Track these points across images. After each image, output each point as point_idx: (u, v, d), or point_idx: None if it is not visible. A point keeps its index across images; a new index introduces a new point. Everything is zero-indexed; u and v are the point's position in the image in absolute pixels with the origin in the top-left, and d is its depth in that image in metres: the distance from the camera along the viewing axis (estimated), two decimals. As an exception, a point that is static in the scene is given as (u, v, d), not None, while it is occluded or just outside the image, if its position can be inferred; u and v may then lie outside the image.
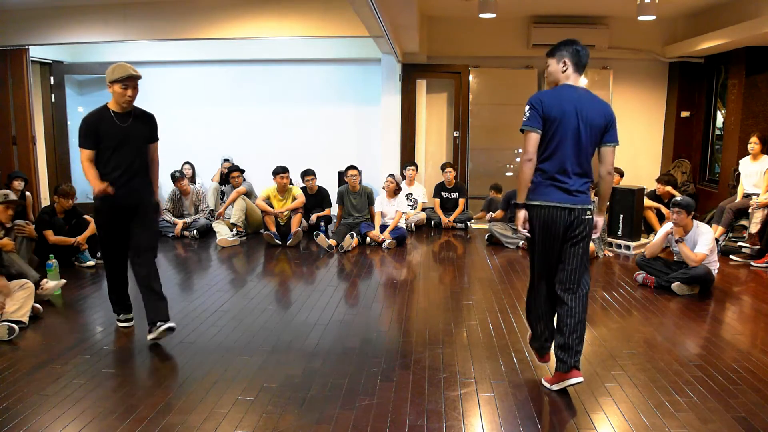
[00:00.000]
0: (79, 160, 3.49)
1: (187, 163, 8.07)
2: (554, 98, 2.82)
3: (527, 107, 2.87)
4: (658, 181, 6.74)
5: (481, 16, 6.12)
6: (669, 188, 6.57)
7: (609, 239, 6.25)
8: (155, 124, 3.70)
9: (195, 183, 7.91)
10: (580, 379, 2.82)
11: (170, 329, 3.44)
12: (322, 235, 6.23)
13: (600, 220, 3.05)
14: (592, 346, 3.53)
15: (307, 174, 7.12)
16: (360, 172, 6.85)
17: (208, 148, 8.39)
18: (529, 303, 3.09)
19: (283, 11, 6.77)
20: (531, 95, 2.99)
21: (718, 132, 7.68)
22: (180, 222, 6.84)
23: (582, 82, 2.97)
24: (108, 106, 3.52)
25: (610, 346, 3.53)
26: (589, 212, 2.87)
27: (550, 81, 2.96)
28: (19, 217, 5.24)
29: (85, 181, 3.47)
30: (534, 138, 2.88)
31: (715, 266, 4.69)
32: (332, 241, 6.19)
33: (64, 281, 4.50)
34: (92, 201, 3.58)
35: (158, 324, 3.42)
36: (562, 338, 2.85)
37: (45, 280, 4.30)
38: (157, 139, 3.71)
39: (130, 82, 3.44)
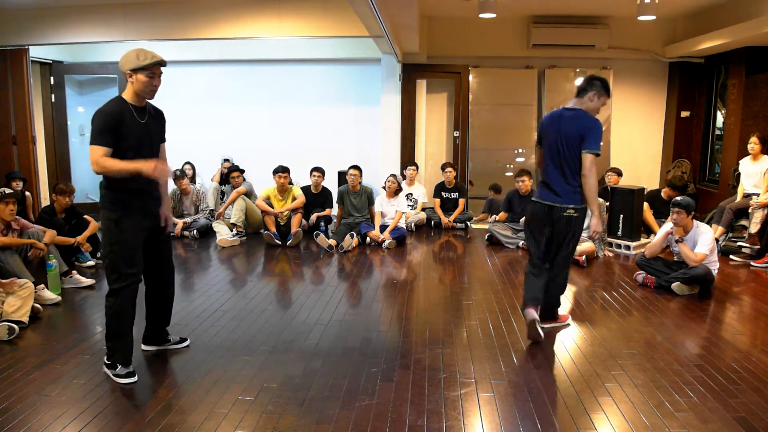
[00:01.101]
0: (91, 160, 2.85)
1: (188, 163, 8.07)
2: (546, 120, 3.66)
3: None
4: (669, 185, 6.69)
5: (481, 16, 6.12)
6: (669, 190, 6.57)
7: (609, 239, 6.25)
8: (165, 122, 3.26)
9: (195, 183, 7.91)
10: (533, 315, 3.58)
11: (187, 346, 3.46)
12: (322, 235, 6.23)
13: (593, 222, 3.55)
14: (593, 346, 3.54)
15: (316, 170, 7.09)
16: (361, 173, 6.86)
17: (208, 148, 8.40)
18: (527, 269, 3.77)
19: (283, 11, 6.78)
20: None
21: (718, 132, 7.68)
22: (180, 222, 6.85)
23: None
24: (124, 99, 2.98)
25: (610, 346, 3.53)
26: (570, 210, 3.49)
27: None
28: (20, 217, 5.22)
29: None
30: (539, 152, 3.75)
31: (715, 266, 4.68)
32: (332, 241, 6.19)
33: (59, 298, 4.36)
34: (107, 211, 3.00)
35: (174, 338, 3.46)
36: (549, 296, 3.80)
37: (41, 286, 4.29)
38: (165, 139, 3.28)
39: (157, 69, 2.94)
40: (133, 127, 2.95)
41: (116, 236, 2.98)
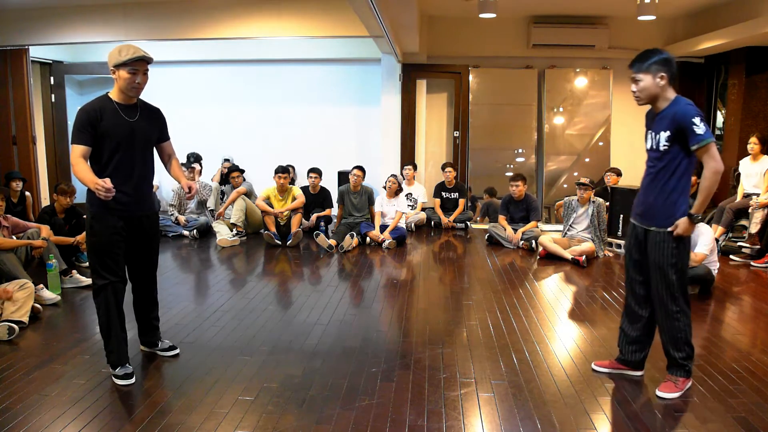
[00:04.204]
0: (70, 159, 2.85)
1: (184, 164, 8.08)
2: None
3: (701, 118, 2.68)
4: None
5: (481, 16, 6.12)
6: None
7: (609, 239, 6.25)
8: (164, 120, 3.20)
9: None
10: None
11: (176, 355, 3.36)
12: (322, 235, 6.22)
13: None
14: (593, 347, 3.54)
15: (313, 171, 7.13)
16: (364, 174, 6.87)
17: (208, 148, 8.39)
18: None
19: (283, 11, 6.78)
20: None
21: (718, 132, 7.68)
22: (182, 218, 6.90)
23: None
24: (110, 97, 2.94)
25: (610, 346, 3.52)
26: None
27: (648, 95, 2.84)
28: (19, 218, 5.24)
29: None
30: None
31: (715, 266, 4.68)
32: (332, 241, 6.19)
33: (59, 297, 4.37)
34: (87, 211, 2.96)
35: (163, 343, 3.38)
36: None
37: (41, 286, 4.29)
38: (169, 136, 3.26)
39: (140, 65, 2.88)
40: (117, 126, 2.90)
41: (90, 237, 2.98)
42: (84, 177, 2.79)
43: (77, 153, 2.82)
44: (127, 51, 2.84)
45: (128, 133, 2.94)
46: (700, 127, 2.63)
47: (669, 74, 2.77)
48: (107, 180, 2.74)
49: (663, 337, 2.90)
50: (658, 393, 2.86)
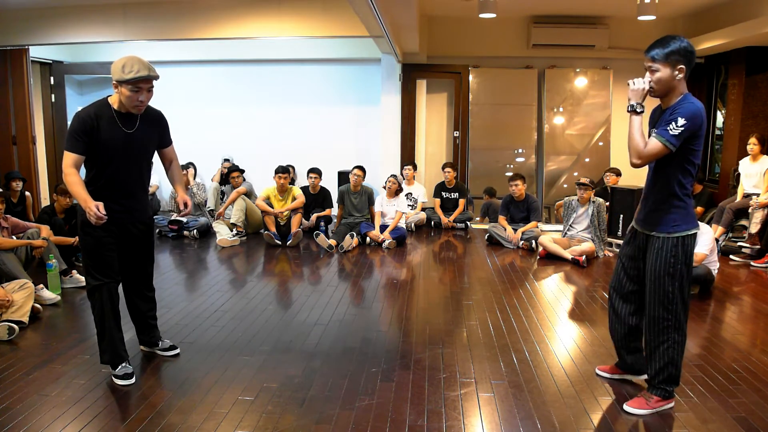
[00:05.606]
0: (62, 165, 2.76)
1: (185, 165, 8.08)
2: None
3: (689, 121, 2.46)
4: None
5: (481, 16, 6.12)
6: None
7: (609, 239, 6.25)
8: (166, 125, 3.09)
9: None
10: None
11: (176, 355, 3.34)
12: (322, 235, 6.23)
13: None
14: (593, 346, 3.54)
15: (312, 171, 7.13)
16: (364, 174, 6.87)
17: (208, 148, 8.40)
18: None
19: (283, 11, 6.78)
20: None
21: (718, 132, 7.68)
22: (188, 208, 6.91)
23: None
24: (110, 103, 2.84)
25: (610, 346, 3.51)
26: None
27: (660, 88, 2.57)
28: (19, 218, 5.24)
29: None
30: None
31: (715, 266, 4.68)
32: (332, 241, 6.19)
33: (59, 297, 4.37)
34: (78, 212, 2.91)
35: (163, 342, 3.36)
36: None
37: (41, 286, 4.29)
38: (171, 141, 3.17)
39: (144, 83, 2.74)
40: (113, 136, 2.80)
41: (82, 239, 2.94)
42: (77, 192, 2.73)
43: (69, 162, 2.75)
44: (131, 67, 2.69)
45: (124, 144, 2.84)
46: (676, 129, 2.44)
47: (688, 67, 2.50)
48: (100, 205, 2.69)
49: (648, 352, 2.73)
50: (626, 407, 2.71)
